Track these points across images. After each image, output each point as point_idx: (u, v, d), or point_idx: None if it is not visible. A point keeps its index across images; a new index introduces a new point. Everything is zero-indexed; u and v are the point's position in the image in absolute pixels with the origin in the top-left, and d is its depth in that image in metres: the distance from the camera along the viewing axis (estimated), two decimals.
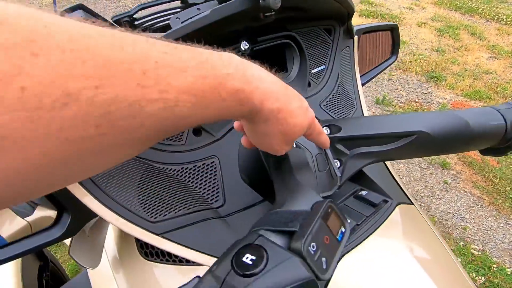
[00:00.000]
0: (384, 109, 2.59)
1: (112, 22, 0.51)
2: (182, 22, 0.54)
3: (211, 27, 0.40)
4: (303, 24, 0.64)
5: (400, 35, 3.38)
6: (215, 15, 0.38)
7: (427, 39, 3.79)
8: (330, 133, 0.51)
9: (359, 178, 0.59)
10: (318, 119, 0.56)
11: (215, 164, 0.51)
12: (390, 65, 0.94)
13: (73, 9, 0.41)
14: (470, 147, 0.48)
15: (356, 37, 0.75)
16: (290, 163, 0.41)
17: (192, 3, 0.61)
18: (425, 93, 2.83)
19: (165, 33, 0.39)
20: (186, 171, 0.49)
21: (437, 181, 2.00)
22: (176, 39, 0.39)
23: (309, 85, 0.67)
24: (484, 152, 0.52)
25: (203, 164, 0.50)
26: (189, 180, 0.49)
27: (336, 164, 0.50)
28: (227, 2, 0.39)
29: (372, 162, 0.50)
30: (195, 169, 0.49)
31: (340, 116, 0.68)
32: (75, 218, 0.47)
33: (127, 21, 0.52)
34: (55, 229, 0.47)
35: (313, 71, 0.68)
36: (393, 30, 0.88)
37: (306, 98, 0.64)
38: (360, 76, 0.91)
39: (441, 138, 0.45)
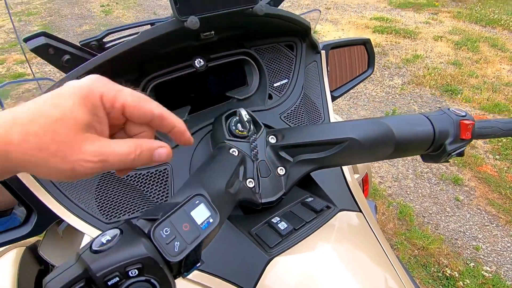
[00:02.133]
0: None
1: (80, 45, 0.58)
2: None
3: (147, 46, 0.46)
4: (260, 41, 0.68)
5: (415, 49, 3.39)
6: (145, 37, 0.44)
7: (443, 52, 3.70)
8: (276, 142, 0.54)
9: (310, 185, 0.61)
10: (274, 129, 0.60)
11: (167, 172, 0.55)
12: (367, 77, 0.96)
13: (36, 35, 0.48)
14: (400, 153, 0.49)
15: (323, 52, 0.78)
16: (206, 162, 0.45)
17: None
18: (439, 107, 2.74)
19: (108, 50, 0.45)
20: (140, 177, 0.54)
21: (448, 198, 1.90)
22: (116, 57, 0.45)
23: (271, 97, 0.70)
24: (423, 158, 0.52)
25: (156, 171, 0.55)
26: (142, 186, 0.53)
27: (281, 171, 0.53)
28: (155, 25, 0.44)
29: (313, 169, 0.52)
30: (148, 175, 0.54)
31: None
32: (41, 218, 0.53)
33: (95, 45, 0.60)
34: (23, 228, 0.53)
35: (275, 85, 0.71)
36: (366, 44, 0.91)
37: (266, 110, 0.68)
38: (336, 89, 0.94)
39: (369, 144, 0.47)
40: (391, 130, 0.46)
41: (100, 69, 0.45)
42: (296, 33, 0.71)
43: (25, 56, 0.46)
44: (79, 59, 0.57)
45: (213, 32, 0.52)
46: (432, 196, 1.92)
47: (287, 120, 0.69)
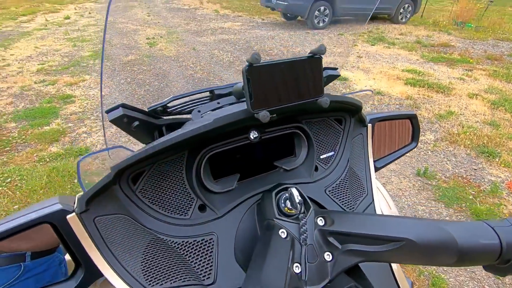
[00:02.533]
0: (426, 182, 2.44)
1: (148, 111, 0.63)
2: (201, 115, 0.64)
3: (214, 130, 0.49)
4: (313, 116, 0.70)
5: (448, 105, 3.34)
6: (217, 123, 0.46)
7: (479, 111, 3.61)
8: (324, 225, 0.53)
9: (355, 273, 0.59)
10: (318, 208, 0.59)
11: (212, 241, 0.56)
12: (410, 150, 0.94)
13: (115, 107, 0.53)
14: (461, 263, 0.46)
15: (370, 125, 0.79)
16: (259, 252, 0.44)
17: (218, 94, 0.72)
18: (475, 169, 2.62)
19: (182, 130, 0.48)
20: (186, 245, 0.54)
21: (486, 274, 1.74)
22: (188, 138, 0.48)
23: (317, 169, 0.71)
24: (486, 268, 0.49)
25: (202, 240, 0.55)
26: (187, 255, 0.54)
27: (328, 257, 0.52)
28: (227, 114, 0.47)
29: (362, 261, 0.51)
30: (194, 243, 0.54)
31: (346, 202, 0.70)
32: (88, 274, 0.54)
33: (160, 110, 0.64)
34: (70, 282, 0.54)
35: (321, 157, 0.72)
36: (412, 118, 0.91)
37: (312, 182, 0.68)
38: (377, 160, 0.93)
39: (428, 249, 0.45)
40: (454, 238, 0.44)
41: (171, 144, 0.48)
42: (347, 110, 0.73)
43: (103, 127, 0.51)
44: (146, 124, 0.61)
45: (275, 114, 0.55)
46: (468, 269, 1.77)
47: (332, 195, 0.69)
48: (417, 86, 4.28)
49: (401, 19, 8.97)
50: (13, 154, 2.65)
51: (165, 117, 0.67)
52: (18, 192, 2.15)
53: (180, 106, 0.68)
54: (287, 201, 0.56)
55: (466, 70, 4.99)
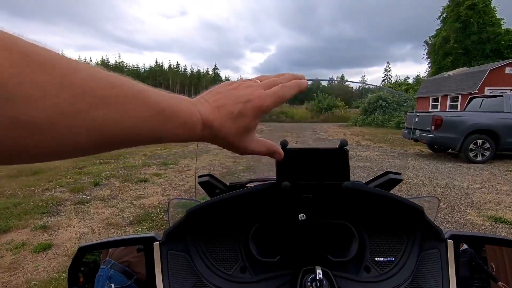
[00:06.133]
0: None
1: (228, 184, 0.86)
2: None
3: (262, 197, 0.64)
4: (372, 218, 0.72)
5: None
6: (253, 189, 0.62)
7: None
8: None
9: None
10: None
11: None
12: None
13: (205, 175, 0.78)
14: None
15: (451, 242, 0.71)
16: None
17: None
18: None
19: (229, 193, 0.66)
20: None
21: None
22: (234, 196, 0.65)
23: (369, 270, 0.68)
24: None
25: None
26: None
27: None
28: (263, 183, 0.63)
29: None
30: None
31: None
32: None
33: (237, 186, 0.86)
34: None
35: (376, 259, 0.69)
36: None
37: (358, 281, 0.66)
38: None
39: None
40: None
41: (225, 205, 0.65)
42: (409, 217, 0.70)
43: (195, 185, 0.76)
44: (224, 193, 0.83)
45: (311, 195, 0.65)
46: None
47: None
48: None
49: None
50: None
51: None
52: None
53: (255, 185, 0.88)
54: (314, 281, 0.59)
55: None
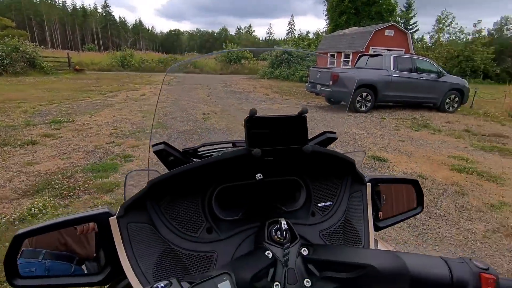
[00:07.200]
0: None
1: (182, 151, 0.84)
2: None
3: (225, 163, 0.66)
4: (314, 169, 0.84)
5: (501, 195, 3.16)
6: (223, 156, 0.64)
7: None
8: (307, 255, 0.63)
9: None
10: (308, 243, 0.68)
11: (213, 258, 0.67)
12: (415, 215, 0.99)
13: (159, 143, 0.74)
14: None
15: (369, 184, 0.89)
16: (243, 255, 0.55)
17: (238, 145, 0.91)
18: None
19: (195, 162, 0.66)
20: (191, 257, 0.67)
21: None
22: (202, 166, 0.65)
23: (314, 215, 0.81)
24: None
25: (204, 255, 0.67)
26: (190, 265, 0.66)
27: (307, 283, 0.60)
28: (232, 149, 0.65)
29: (336, 287, 0.58)
30: (198, 257, 0.67)
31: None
32: (112, 272, 0.68)
33: (191, 152, 0.85)
34: (97, 276, 0.68)
35: (319, 205, 0.83)
36: (414, 185, 0.98)
37: (307, 225, 0.78)
38: (383, 220, 0.98)
39: (385, 275, 0.52)
40: (406, 267, 0.50)
41: (190, 174, 0.65)
42: (344, 167, 0.85)
43: (148, 156, 0.72)
44: (178, 160, 0.81)
45: (272, 158, 0.71)
46: None
47: (325, 238, 0.77)
48: (464, 172, 4.08)
49: (448, 108, 8.98)
50: (74, 199, 3.07)
51: (194, 159, 0.87)
52: None
53: (207, 151, 0.88)
54: (278, 231, 0.67)
55: None
